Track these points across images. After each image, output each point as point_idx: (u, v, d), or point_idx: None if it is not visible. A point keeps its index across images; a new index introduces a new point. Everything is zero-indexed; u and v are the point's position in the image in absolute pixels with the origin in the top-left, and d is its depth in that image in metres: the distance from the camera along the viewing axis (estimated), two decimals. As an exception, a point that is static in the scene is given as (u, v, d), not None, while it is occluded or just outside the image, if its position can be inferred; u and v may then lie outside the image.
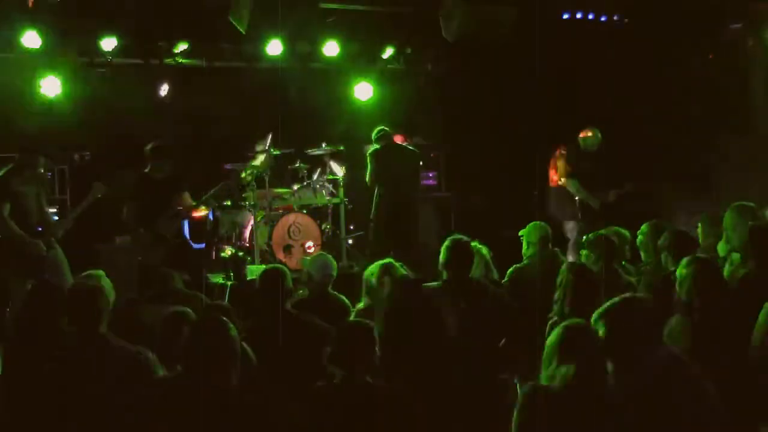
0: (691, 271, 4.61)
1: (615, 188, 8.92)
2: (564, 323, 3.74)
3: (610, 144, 9.21)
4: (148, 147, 7.70)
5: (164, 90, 9.54)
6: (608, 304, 3.88)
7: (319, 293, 5.62)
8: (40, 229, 7.03)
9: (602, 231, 6.18)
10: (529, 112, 9.77)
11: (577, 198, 8.92)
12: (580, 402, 3.51)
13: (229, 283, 8.32)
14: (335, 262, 5.83)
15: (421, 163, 9.48)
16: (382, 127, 9.09)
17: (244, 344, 4.07)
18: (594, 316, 3.84)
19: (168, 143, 7.91)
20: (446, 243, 5.42)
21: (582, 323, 3.76)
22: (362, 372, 3.84)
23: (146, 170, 7.72)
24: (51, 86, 9.03)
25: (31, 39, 8.61)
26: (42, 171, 7.23)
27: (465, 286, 5.32)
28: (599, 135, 9.00)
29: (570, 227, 8.91)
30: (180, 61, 9.55)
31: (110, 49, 9.10)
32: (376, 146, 9.01)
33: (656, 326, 3.84)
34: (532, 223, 6.41)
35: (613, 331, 3.75)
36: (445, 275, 5.37)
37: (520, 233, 6.43)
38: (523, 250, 6.35)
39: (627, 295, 4.08)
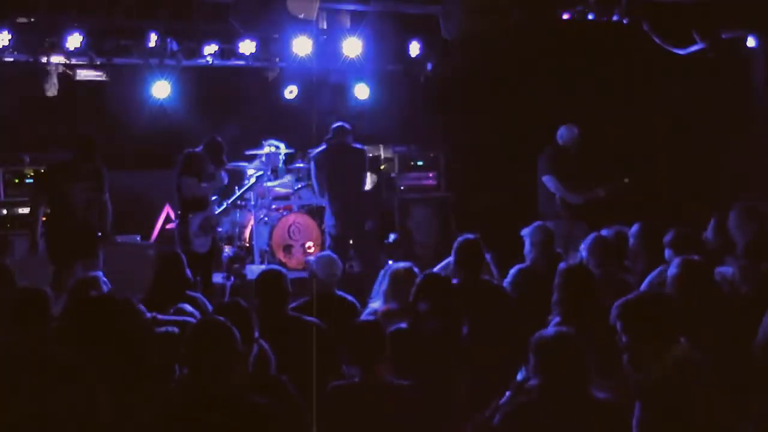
0: (679, 271, 4.62)
1: (603, 184, 8.96)
2: (543, 332, 3.74)
3: (605, 141, 9.24)
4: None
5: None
6: (627, 297, 3.88)
7: (325, 293, 5.60)
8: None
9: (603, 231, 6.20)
10: (529, 111, 9.79)
11: (558, 196, 8.92)
12: (558, 411, 3.52)
13: (229, 283, 8.34)
14: (340, 262, 5.82)
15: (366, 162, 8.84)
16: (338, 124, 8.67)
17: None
18: (613, 309, 3.85)
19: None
20: (457, 243, 5.44)
21: (563, 331, 3.76)
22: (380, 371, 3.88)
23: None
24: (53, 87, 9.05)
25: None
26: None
27: (477, 287, 5.32)
28: (576, 132, 9.01)
29: (551, 226, 8.93)
30: (181, 61, 9.54)
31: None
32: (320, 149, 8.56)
33: (673, 323, 3.83)
34: (535, 224, 6.39)
35: (629, 325, 3.75)
36: (457, 276, 5.39)
37: (522, 233, 6.42)
38: (525, 251, 6.34)
39: (647, 290, 4.08)
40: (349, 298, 5.72)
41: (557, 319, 4.75)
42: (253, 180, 9.25)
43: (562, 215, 8.80)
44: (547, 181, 8.92)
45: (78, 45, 8.71)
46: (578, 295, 4.75)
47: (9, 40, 8.38)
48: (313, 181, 8.55)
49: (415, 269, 5.44)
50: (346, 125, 8.56)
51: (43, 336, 4.07)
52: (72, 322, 4.18)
